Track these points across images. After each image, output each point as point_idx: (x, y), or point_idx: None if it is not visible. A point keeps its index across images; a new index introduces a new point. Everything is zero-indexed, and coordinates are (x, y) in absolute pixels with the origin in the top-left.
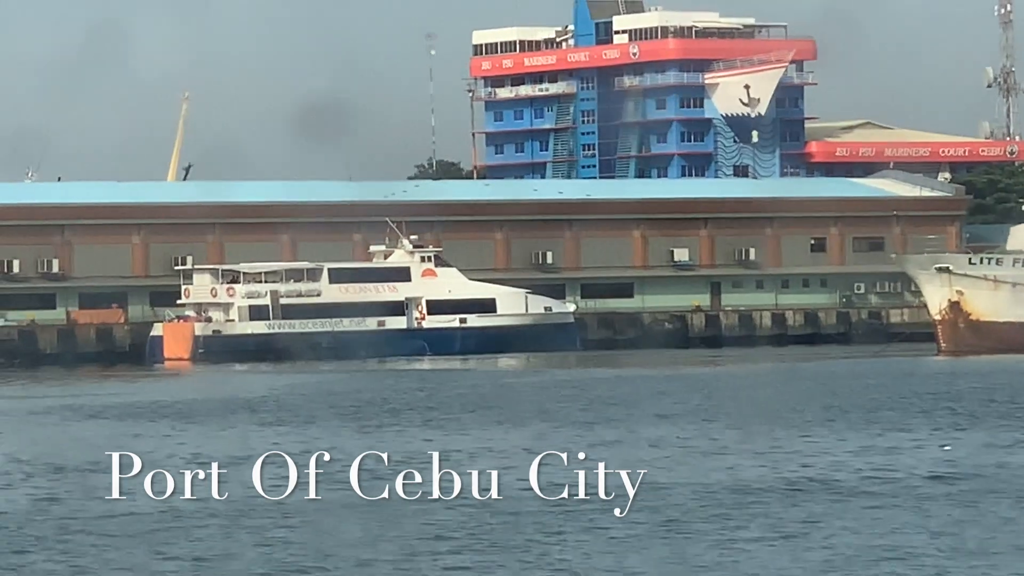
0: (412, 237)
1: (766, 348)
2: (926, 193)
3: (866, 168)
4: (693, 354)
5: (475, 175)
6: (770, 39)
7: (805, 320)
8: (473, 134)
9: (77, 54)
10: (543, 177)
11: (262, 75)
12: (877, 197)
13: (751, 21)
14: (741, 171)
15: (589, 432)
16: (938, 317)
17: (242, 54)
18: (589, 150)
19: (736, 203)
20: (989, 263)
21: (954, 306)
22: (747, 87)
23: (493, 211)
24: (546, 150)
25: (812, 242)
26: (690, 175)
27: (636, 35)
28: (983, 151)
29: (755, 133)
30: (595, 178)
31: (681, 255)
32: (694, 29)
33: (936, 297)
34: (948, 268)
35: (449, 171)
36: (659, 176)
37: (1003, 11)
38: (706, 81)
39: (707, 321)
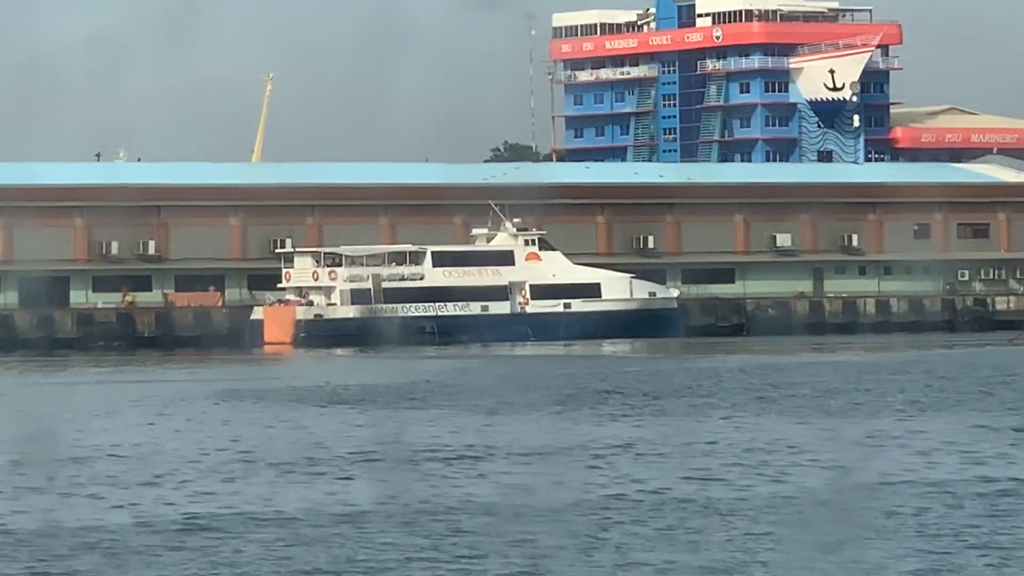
0: (515, 220)
1: (870, 336)
2: None
3: (951, 154)
4: (809, 341)
5: (553, 159)
6: (855, 23)
7: (909, 307)
8: (553, 117)
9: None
10: (623, 160)
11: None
12: (982, 183)
13: (835, 4)
14: (825, 156)
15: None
16: None
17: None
18: (670, 134)
19: (839, 188)
20: None
21: None
22: (832, 72)
23: (594, 194)
24: (626, 134)
25: (916, 228)
26: (774, 160)
27: (719, 18)
28: None
29: (856, 118)
30: (676, 162)
31: (784, 240)
32: (779, 13)
33: None
34: None
35: (524, 155)
36: (742, 160)
37: None
38: (791, 65)
39: (810, 307)
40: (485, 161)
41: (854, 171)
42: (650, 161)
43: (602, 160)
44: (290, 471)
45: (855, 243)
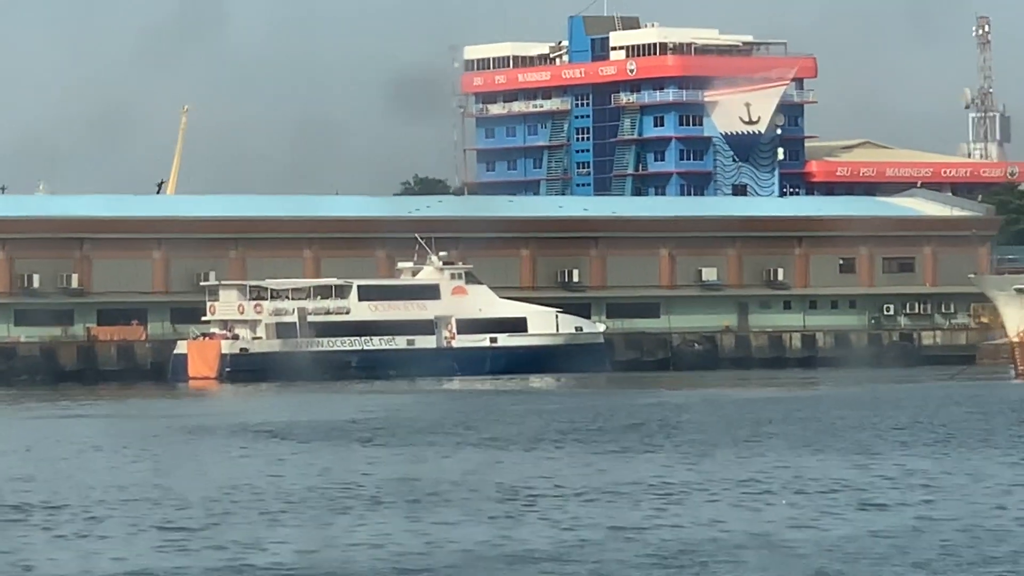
0: (441, 254)
1: (795, 370)
2: (957, 212)
3: (866, 188)
4: (741, 376)
5: (465, 192)
6: (770, 56)
7: (836, 342)
8: (464, 151)
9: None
10: (536, 194)
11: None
12: (907, 217)
13: (750, 38)
14: (740, 190)
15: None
16: (1016, 339)
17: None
18: (584, 168)
19: (765, 222)
20: None
21: None
22: (747, 105)
23: (519, 228)
24: (539, 168)
25: (841, 262)
26: (688, 194)
27: (633, 51)
28: (984, 172)
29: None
30: (590, 195)
31: (709, 274)
32: (693, 46)
33: (1015, 319)
34: None
35: (435, 189)
36: (657, 194)
37: (981, 32)
38: (706, 99)
39: (737, 342)
40: (395, 194)
41: (780, 205)
42: (563, 195)
43: (514, 194)
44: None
45: (780, 277)
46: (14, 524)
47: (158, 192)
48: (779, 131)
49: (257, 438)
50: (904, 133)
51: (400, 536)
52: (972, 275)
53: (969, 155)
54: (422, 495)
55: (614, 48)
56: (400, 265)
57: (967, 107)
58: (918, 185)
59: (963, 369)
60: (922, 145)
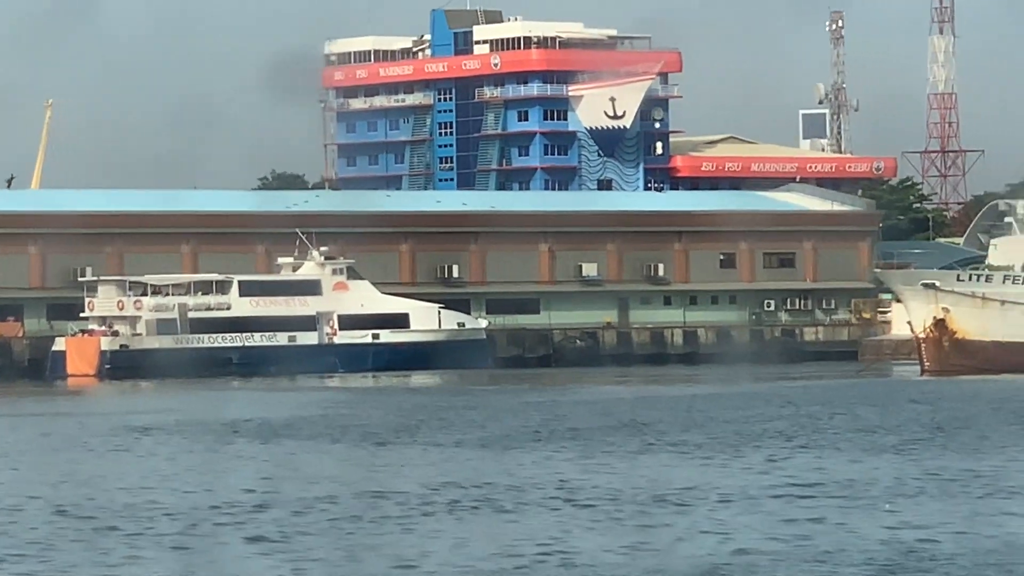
0: (323, 249)
1: (678, 366)
2: (837, 208)
3: (731, 183)
4: (622, 372)
5: (326, 187)
6: (635, 51)
7: (717, 338)
8: (325, 145)
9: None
10: (398, 189)
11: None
12: (787, 212)
13: (614, 32)
14: (605, 185)
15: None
16: (922, 335)
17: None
18: (447, 163)
19: (645, 217)
20: (978, 280)
21: (939, 324)
22: (612, 99)
23: (399, 223)
24: (401, 163)
25: (721, 257)
26: (553, 189)
27: (497, 45)
28: (850, 167)
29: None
30: (453, 189)
31: (589, 270)
32: (558, 40)
33: (920, 314)
34: (935, 284)
35: (293, 184)
36: (521, 189)
37: (834, 27)
38: (570, 93)
39: (618, 338)
40: (253, 189)
41: (659, 200)
42: (425, 190)
43: (375, 189)
44: None
45: (661, 272)
46: None
47: (8, 187)
48: (658, 124)
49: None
50: (768, 128)
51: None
52: (878, 270)
53: (824, 149)
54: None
55: (477, 42)
56: (280, 260)
57: (820, 102)
58: (796, 179)
59: (867, 366)
60: (786, 140)
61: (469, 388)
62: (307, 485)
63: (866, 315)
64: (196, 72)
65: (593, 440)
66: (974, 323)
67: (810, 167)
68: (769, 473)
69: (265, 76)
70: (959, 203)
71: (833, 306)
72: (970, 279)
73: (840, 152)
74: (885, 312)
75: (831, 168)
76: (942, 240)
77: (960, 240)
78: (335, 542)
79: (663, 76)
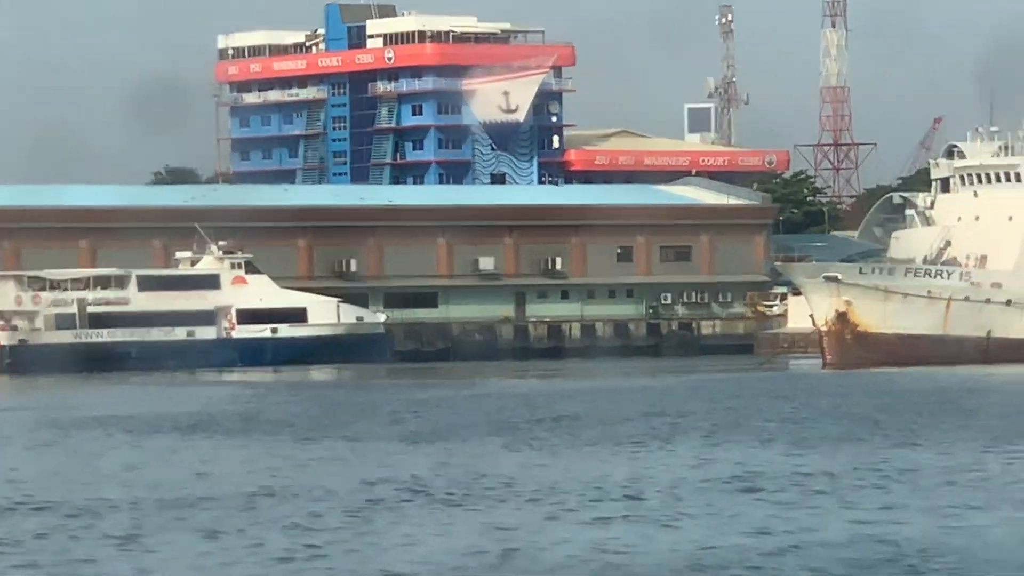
0: (221, 243)
1: (576, 360)
2: (733, 201)
3: (625, 176)
4: (531, 366)
5: (220, 182)
6: (528, 44)
7: (615, 331)
8: (218, 140)
9: None
10: (292, 183)
11: None
12: (684, 205)
13: (508, 26)
14: (499, 179)
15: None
16: (824, 328)
17: None
18: (341, 157)
19: (542, 210)
20: (880, 273)
21: (841, 317)
22: (506, 93)
23: (296, 217)
24: (295, 157)
25: (619, 251)
26: (447, 183)
27: (391, 40)
28: (742, 161)
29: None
30: (347, 184)
31: (486, 264)
32: (452, 34)
33: (823, 307)
34: (837, 277)
35: (187, 178)
36: (415, 183)
37: (724, 21)
38: (464, 87)
39: (516, 332)
40: (147, 184)
41: (556, 193)
42: (319, 184)
43: (269, 184)
44: None
45: (558, 266)
46: None
47: None
48: (554, 118)
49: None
50: (657, 122)
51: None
52: (778, 263)
53: (713, 143)
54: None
55: (371, 36)
56: (178, 255)
57: (710, 96)
58: (692, 173)
59: (771, 359)
60: (674, 134)
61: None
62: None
63: (761, 309)
64: (69, 79)
65: (519, 433)
66: (876, 316)
67: (702, 161)
68: (706, 466)
69: (139, 103)
70: (852, 196)
71: (729, 299)
72: (873, 272)
73: (729, 146)
74: (771, 305)
75: (723, 162)
76: (836, 233)
77: (855, 233)
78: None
79: (556, 70)
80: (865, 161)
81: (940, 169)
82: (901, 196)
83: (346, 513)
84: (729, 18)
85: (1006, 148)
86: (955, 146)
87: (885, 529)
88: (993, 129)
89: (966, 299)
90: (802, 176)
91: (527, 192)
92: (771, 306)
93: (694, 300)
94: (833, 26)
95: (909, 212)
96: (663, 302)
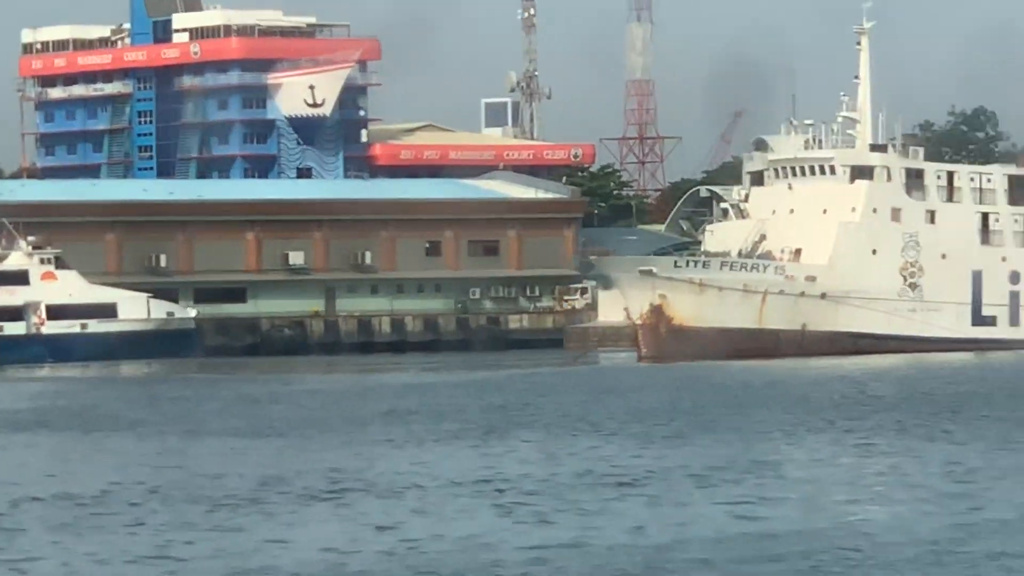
0: (29, 238)
1: (387, 355)
2: (542, 195)
3: (430, 171)
4: (330, 361)
5: (24, 177)
6: (334, 39)
7: (424, 326)
8: (23, 135)
9: None
10: (97, 178)
11: None
12: (492, 199)
13: (313, 20)
14: (305, 173)
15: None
16: (639, 322)
17: None
18: (146, 152)
19: (351, 205)
20: (695, 266)
21: (656, 310)
22: (312, 88)
23: (104, 212)
24: (100, 152)
25: (427, 245)
26: (252, 177)
27: (197, 34)
28: (548, 154)
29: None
30: (153, 178)
31: (296, 258)
32: (257, 28)
33: (638, 301)
34: (652, 271)
35: None
36: (220, 177)
37: (526, 15)
38: (269, 81)
39: (325, 327)
40: None
41: (366, 188)
42: (125, 178)
43: (74, 179)
44: None
45: (367, 261)
46: None
47: None
48: (361, 112)
49: None
50: (459, 117)
51: None
52: (593, 257)
53: (516, 137)
54: None
55: (177, 30)
56: None
57: (512, 90)
58: (500, 167)
59: (583, 354)
60: (473, 128)
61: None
62: None
63: (569, 303)
64: None
65: (356, 431)
66: (692, 309)
67: (507, 155)
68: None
69: None
70: (657, 190)
71: (538, 294)
72: (688, 265)
73: (532, 139)
74: (572, 299)
75: (529, 155)
76: (643, 227)
77: (662, 227)
78: None
79: (362, 64)
80: (670, 155)
81: (754, 162)
82: (708, 189)
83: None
84: (532, 12)
85: (814, 141)
86: (763, 139)
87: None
88: (807, 122)
89: (781, 292)
90: (609, 170)
91: (336, 187)
92: (573, 300)
93: (502, 295)
94: (639, 20)
95: (723, 205)
96: (471, 297)
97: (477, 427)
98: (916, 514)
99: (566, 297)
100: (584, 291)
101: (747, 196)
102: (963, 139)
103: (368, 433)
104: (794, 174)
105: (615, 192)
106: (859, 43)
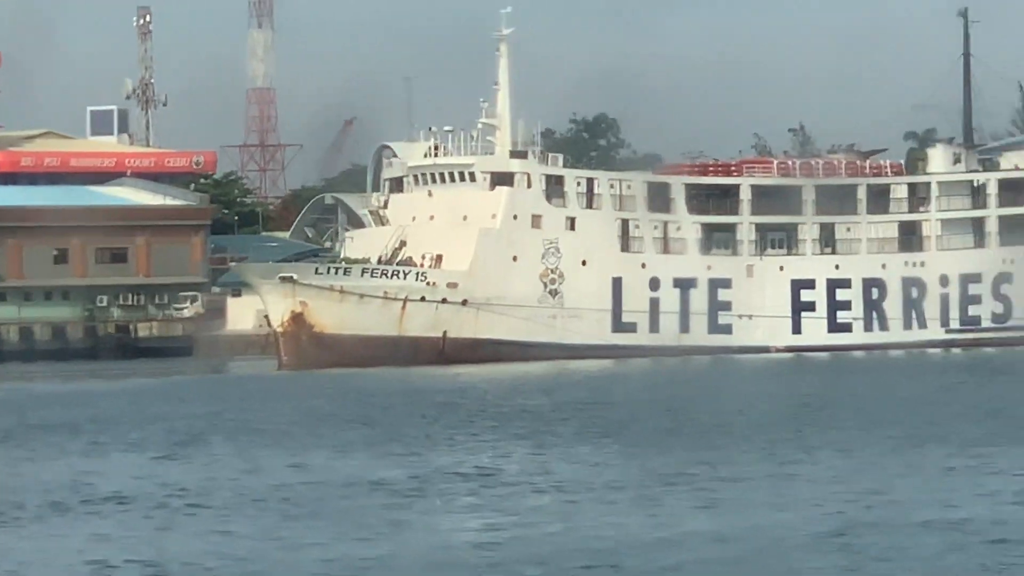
0: None
1: (16, 364)
2: (170, 202)
3: (51, 178)
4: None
5: None
6: None
7: (53, 335)
8: None
9: None
10: None
11: None
12: (121, 206)
13: None
14: None
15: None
16: (280, 329)
17: None
18: None
19: None
20: (336, 272)
21: (297, 318)
22: None
23: None
24: None
25: (55, 253)
26: None
27: None
28: (169, 162)
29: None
30: None
31: None
32: None
33: (279, 308)
34: (293, 277)
35: None
36: None
37: (142, 22)
38: None
39: None
40: None
41: None
42: None
43: None
44: None
45: None
46: None
47: None
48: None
49: None
50: (74, 123)
51: None
52: (235, 263)
53: (131, 143)
54: None
55: None
56: None
57: (128, 97)
58: (128, 174)
59: (220, 362)
60: (80, 135)
61: None
62: None
63: (199, 310)
64: None
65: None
66: (333, 317)
67: (130, 162)
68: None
69: None
70: (279, 197)
71: (167, 301)
72: (328, 272)
73: (148, 147)
74: (181, 308)
75: (151, 163)
76: (266, 234)
77: (286, 234)
78: None
79: None
80: (291, 162)
81: (393, 169)
82: (334, 197)
83: None
84: (147, 19)
85: (436, 148)
86: (387, 146)
87: None
88: (447, 128)
89: (422, 299)
90: (232, 177)
91: None
92: (181, 309)
93: (131, 302)
94: (260, 26)
95: (362, 211)
96: (99, 304)
97: None
98: None
99: (175, 305)
100: (194, 299)
101: (386, 203)
102: (585, 146)
103: None
104: (434, 181)
105: (239, 199)
106: (499, 49)
